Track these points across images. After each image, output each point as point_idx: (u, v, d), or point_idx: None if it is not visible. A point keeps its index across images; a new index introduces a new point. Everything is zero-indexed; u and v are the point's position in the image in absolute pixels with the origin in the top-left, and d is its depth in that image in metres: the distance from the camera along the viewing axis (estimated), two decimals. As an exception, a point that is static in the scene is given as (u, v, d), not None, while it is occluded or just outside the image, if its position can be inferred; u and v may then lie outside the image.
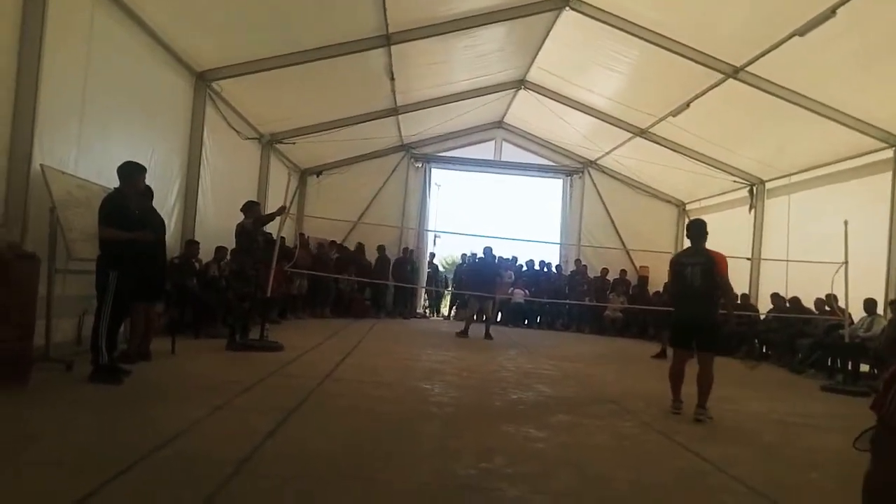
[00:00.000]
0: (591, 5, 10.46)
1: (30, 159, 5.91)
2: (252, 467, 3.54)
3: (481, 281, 12.90)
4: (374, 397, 5.88)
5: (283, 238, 10.19)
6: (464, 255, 18.22)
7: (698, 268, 5.99)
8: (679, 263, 6.21)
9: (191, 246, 9.39)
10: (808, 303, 11.35)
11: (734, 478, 4.08)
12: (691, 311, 6.04)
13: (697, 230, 6.25)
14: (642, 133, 14.29)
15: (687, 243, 6.34)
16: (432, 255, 18.33)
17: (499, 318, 16.81)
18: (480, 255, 14.19)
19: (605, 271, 16.92)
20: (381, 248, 16.34)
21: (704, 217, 16.95)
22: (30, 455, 3.46)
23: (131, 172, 5.93)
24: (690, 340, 6.04)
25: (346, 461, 3.86)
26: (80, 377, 5.47)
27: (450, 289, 18.49)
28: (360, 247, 16.27)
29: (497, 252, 17.42)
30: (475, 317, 13.53)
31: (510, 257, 17.67)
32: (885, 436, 2.42)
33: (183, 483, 3.30)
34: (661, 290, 14.32)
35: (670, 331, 6.45)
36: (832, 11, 7.93)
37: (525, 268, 17.66)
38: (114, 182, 5.94)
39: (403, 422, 4.99)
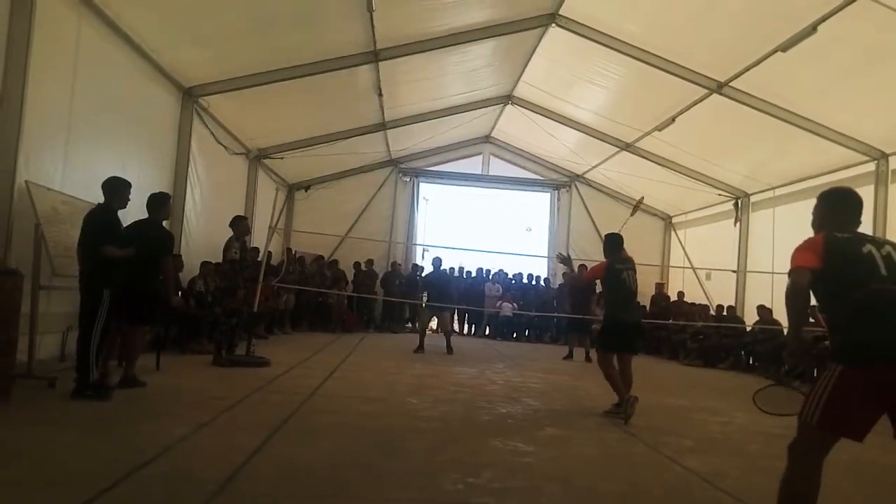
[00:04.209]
0: (577, 22, 10.58)
1: (13, 176, 5.87)
2: (237, 485, 3.50)
3: (436, 291, 12.62)
4: (361, 413, 5.85)
5: (269, 253, 10.16)
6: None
7: (632, 273, 6.58)
8: (615, 268, 6.55)
9: (173, 260, 9.31)
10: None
11: (721, 489, 4.08)
12: (634, 314, 6.70)
13: (620, 240, 6.85)
14: (628, 147, 14.43)
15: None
16: (420, 269, 18.19)
17: (486, 332, 16.83)
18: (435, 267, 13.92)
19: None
20: (369, 263, 16.40)
21: (690, 230, 17.22)
22: (11, 474, 3.41)
23: (118, 187, 5.89)
24: (628, 342, 6.51)
25: (333, 478, 3.83)
26: (63, 394, 5.41)
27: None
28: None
29: (484, 265, 17.52)
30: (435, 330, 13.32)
31: (498, 270, 17.68)
32: (800, 439, 2.71)
33: (166, 502, 3.27)
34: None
35: (610, 334, 6.56)
36: (813, 28, 8.08)
37: (513, 281, 17.67)
38: (101, 198, 5.90)
39: (391, 437, 4.96)
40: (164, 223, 6.89)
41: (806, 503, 2.67)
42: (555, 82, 13.39)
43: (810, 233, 3.24)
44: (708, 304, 14.89)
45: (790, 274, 2.77)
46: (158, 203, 6.55)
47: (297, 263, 15.24)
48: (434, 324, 13.13)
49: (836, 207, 3.02)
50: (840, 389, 2.56)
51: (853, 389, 2.54)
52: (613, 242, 6.84)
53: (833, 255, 2.71)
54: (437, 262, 13.17)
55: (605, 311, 6.76)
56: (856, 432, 2.61)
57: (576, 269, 10.39)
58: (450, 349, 11.75)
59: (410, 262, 17.95)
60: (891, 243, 2.77)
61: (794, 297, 2.77)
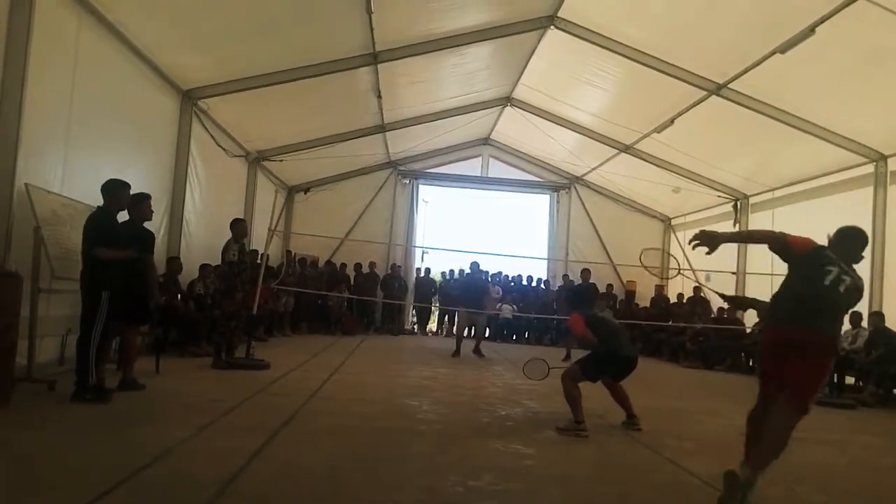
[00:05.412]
0: (575, 24, 10.59)
1: (13, 179, 5.86)
2: (237, 488, 3.50)
3: (470, 296, 12.64)
4: (361, 415, 5.85)
5: (267, 256, 10.17)
6: (443, 273, 18.15)
7: (609, 311, 6.61)
8: (593, 314, 6.29)
9: (172, 263, 9.32)
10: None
11: (721, 492, 4.07)
12: (631, 348, 6.27)
13: (592, 294, 7.29)
14: (627, 149, 14.43)
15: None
16: (427, 270, 18.10)
17: (487, 334, 16.80)
18: (468, 270, 14.02)
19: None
20: (371, 265, 16.45)
21: (690, 232, 17.15)
22: (11, 477, 3.41)
23: (116, 190, 5.88)
24: (619, 374, 6.12)
25: (333, 481, 3.83)
26: (63, 397, 5.40)
27: (435, 305, 18.26)
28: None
29: (484, 267, 17.48)
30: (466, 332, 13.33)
31: (497, 272, 17.64)
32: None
33: (167, 504, 3.27)
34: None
35: (605, 365, 6.04)
36: (811, 30, 8.09)
37: (513, 283, 17.65)
38: (101, 200, 5.89)
39: (391, 440, 4.96)
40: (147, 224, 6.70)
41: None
42: (554, 84, 13.40)
43: (810, 234, 3.30)
44: (709, 300, 14.87)
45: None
46: (135, 203, 6.29)
47: (298, 265, 15.24)
48: (434, 325, 13.12)
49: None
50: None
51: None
52: (585, 296, 6.68)
53: None
54: (474, 266, 13.19)
55: (599, 344, 5.98)
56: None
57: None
58: (458, 353, 11.87)
59: (412, 265, 17.94)
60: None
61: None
